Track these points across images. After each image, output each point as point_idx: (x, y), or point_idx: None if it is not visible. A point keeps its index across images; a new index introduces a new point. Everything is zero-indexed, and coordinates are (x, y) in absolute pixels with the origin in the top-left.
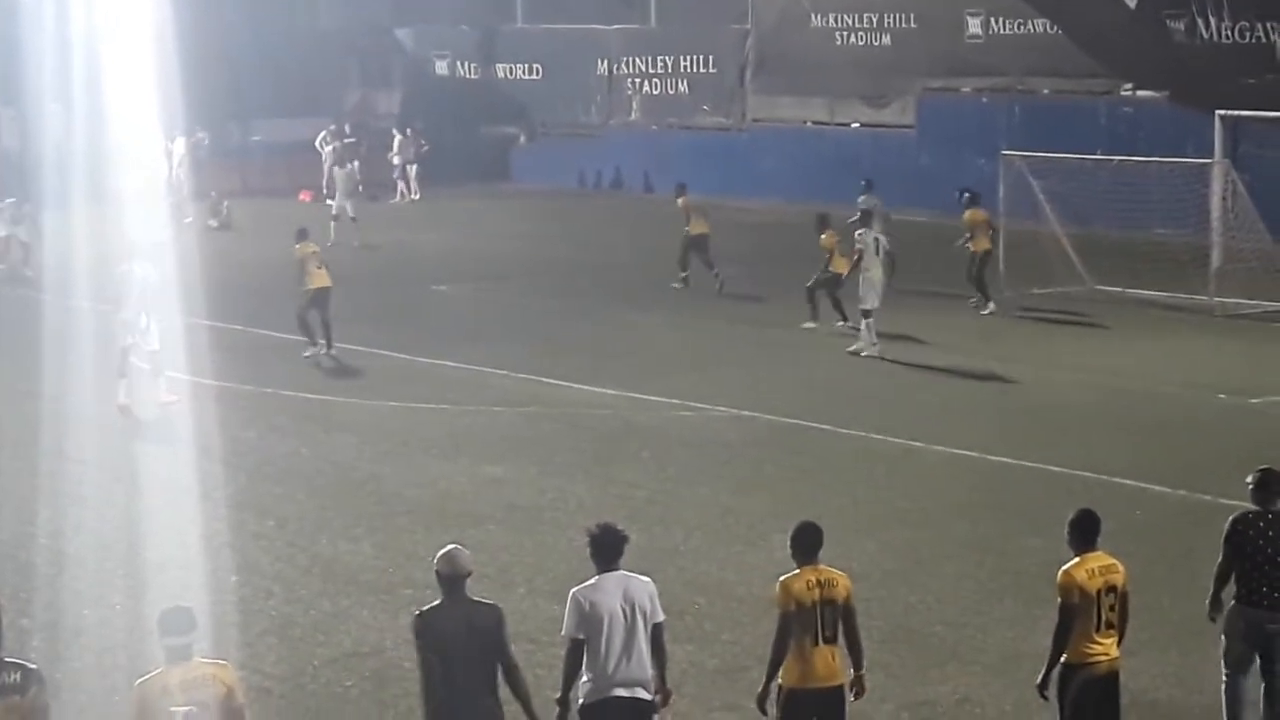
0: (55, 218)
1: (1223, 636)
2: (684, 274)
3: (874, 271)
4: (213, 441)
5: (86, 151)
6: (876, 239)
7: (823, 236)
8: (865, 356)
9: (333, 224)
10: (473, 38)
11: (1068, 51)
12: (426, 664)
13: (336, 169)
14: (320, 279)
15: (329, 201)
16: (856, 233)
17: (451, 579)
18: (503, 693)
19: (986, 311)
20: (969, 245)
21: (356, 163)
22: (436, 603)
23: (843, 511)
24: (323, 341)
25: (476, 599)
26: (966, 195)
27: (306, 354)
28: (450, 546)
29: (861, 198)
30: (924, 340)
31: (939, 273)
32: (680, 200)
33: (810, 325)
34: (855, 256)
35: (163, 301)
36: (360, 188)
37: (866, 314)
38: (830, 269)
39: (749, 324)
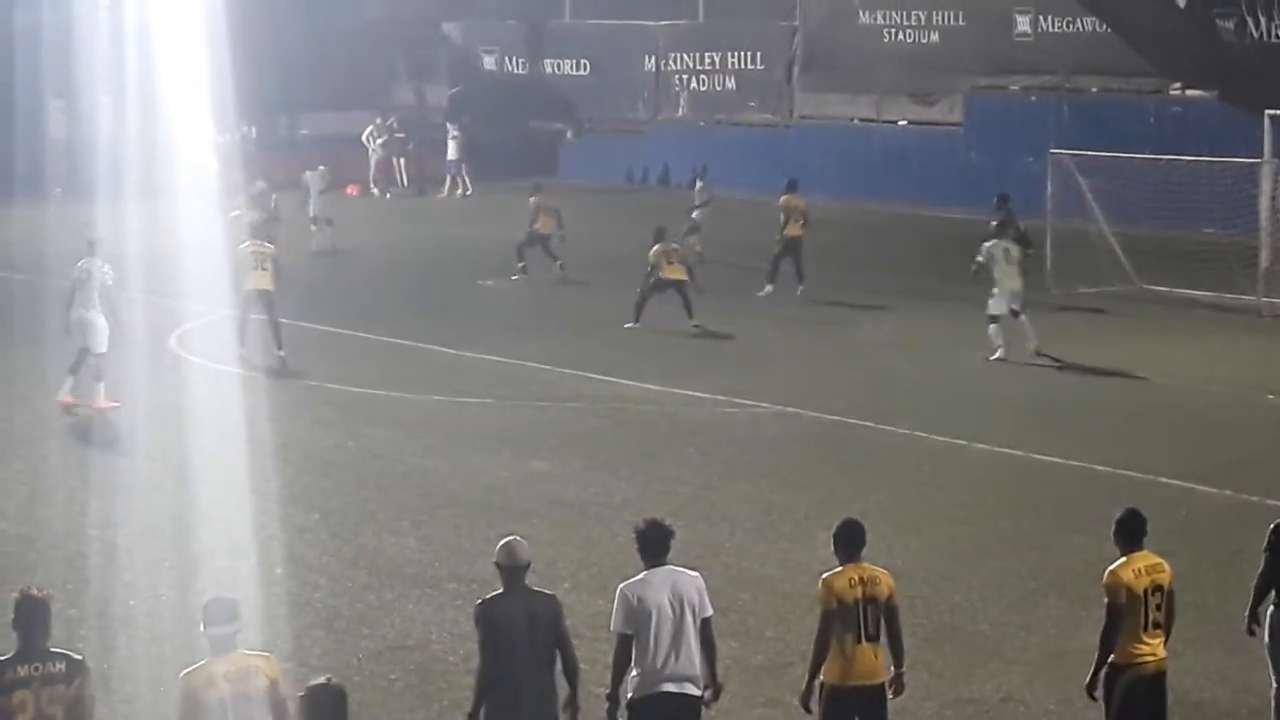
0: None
1: (1267, 640)
2: (520, 264)
3: (1006, 281)
4: (259, 434)
5: (137, 144)
6: (1006, 249)
7: (652, 250)
8: (994, 360)
9: (313, 228)
10: (520, 32)
11: (1117, 50)
12: (486, 651)
13: (308, 172)
14: (257, 280)
15: (374, 191)
16: (985, 244)
17: (511, 570)
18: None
19: (762, 294)
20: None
21: (404, 159)
22: (497, 592)
23: (887, 509)
24: (259, 347)
25: (536, 589)
26: (788, 181)
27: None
28: (509, 538)
29: (699, 184)
30: (969, 338)
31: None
32: (532, 199)
33: (631, 325)
34: (974, 267)
35: (112, 298)
36: (405, 182)
37: (993, 319)
38: (659, 275)
39: (793, 321)
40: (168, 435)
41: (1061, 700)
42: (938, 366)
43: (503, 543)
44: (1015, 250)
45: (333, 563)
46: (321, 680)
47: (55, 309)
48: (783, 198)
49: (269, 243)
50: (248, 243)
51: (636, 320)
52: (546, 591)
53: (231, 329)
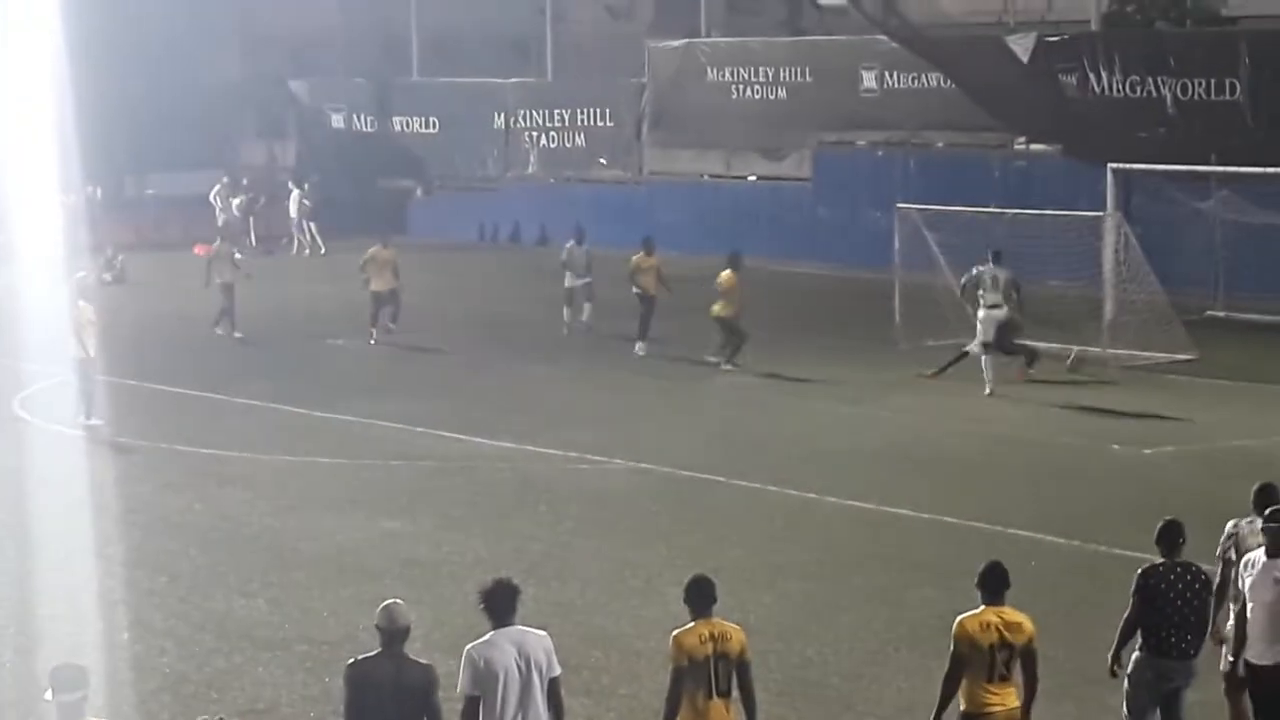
0: None
1: (1126, 686)
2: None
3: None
4: (106, 497)
5: None
6: (994, 276)
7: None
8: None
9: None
10: (368, 90)
11: (962, 105)
12: (348, 713)
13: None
14: (72, 347)
15: (237, 254)
16: (976, 268)
17: (390, 634)
18: None
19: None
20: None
21: (253, 218)
22: (371, 653)
23: (739, 564)
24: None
25: (412, 657)
26: (643, 240)
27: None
28: (390, 601)
29: (569, 243)
30: (821, 392)
31: (835, 326)
32: (371, 251)
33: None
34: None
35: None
36: (255, 240)
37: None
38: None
39: (646, 377)
40: (11, 500)
41: None
42: (789, 420)
43: (383, 605)
44: (1002, 278)
45: (180, 626)
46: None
47: None
48: (635, 258)
49: (88, 305)
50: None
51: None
52: (422, 661)
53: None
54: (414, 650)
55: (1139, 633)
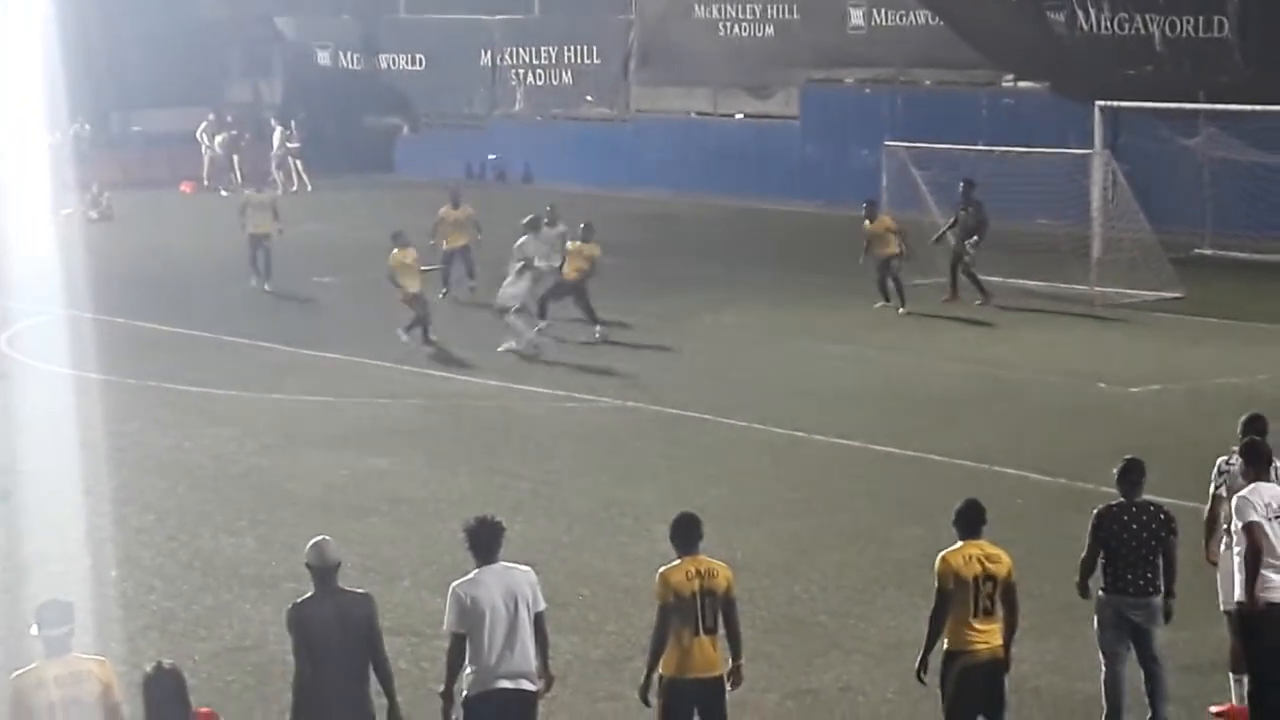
0: None
1: (1095, 627)
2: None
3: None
4: (94, 435)
5: None
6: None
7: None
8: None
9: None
10: (355, 28)
11: (949, 42)
12: (300, 656)
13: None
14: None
15: (223, 192)
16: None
17: (322, 570)
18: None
19: None
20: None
21: (238, 155)
22: (309, 594)
23: (727, 502)
24: None
25: (348, 589)
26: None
27: None
28: (317, 538)
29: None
30: (809, 330)
31: (823, 264)
32: (441, 212)
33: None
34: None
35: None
36: (241, 178)
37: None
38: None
39: (632, 315)
40: None
41: (900, 690)
42: (776, 358)
43: (312, 543)
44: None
45: (168, 564)
46: (153, 666)
47: None
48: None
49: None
50: None
51: None
52: (359, 591)
53: (68, 330)
54: (402, 589)
55: (1102, 573)
